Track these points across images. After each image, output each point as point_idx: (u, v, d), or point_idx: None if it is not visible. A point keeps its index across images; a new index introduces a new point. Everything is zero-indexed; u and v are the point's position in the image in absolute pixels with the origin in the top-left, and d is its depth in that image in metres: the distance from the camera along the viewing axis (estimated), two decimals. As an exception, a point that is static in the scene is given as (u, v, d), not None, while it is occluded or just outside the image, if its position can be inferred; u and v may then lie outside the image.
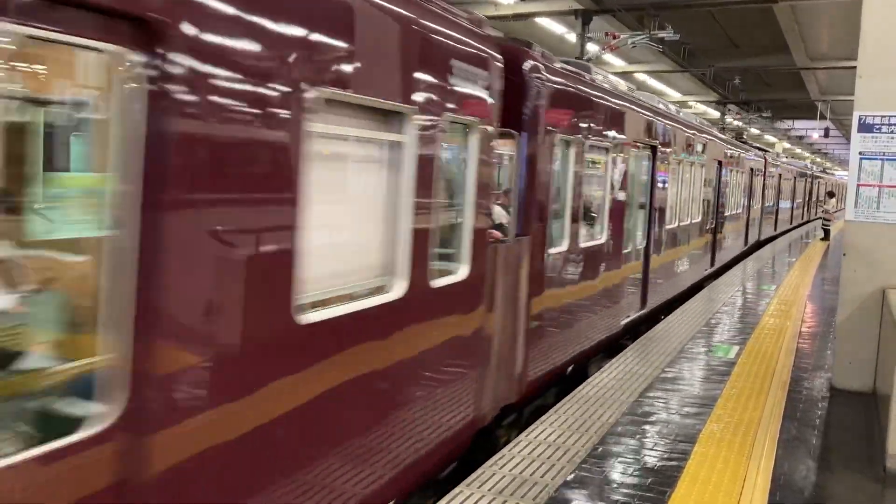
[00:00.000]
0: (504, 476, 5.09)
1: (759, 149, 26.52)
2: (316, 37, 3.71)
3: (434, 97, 4.83)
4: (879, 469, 5.59)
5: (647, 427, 6.18)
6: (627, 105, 9.70)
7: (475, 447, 6.07)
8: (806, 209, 41.24)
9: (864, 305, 7.43)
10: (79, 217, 3.35)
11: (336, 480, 4.16)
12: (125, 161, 2.85)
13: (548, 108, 6.99)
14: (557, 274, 7.70)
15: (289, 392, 3.75)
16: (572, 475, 5.15)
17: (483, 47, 5.58)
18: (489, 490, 4.87)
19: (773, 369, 8.16)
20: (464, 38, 5.29)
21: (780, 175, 28.55)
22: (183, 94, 2.97)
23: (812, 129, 42.58)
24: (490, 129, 5.73)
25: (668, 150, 11.93)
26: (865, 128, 7.43)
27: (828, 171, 67.83)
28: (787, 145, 60.89)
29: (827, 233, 26.42)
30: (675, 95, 35.06)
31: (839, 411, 6.92)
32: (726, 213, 18.14)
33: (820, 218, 29.05)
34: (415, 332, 4.89)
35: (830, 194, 29.59)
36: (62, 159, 3.60)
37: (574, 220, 7.99)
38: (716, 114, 37.28)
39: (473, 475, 5.10)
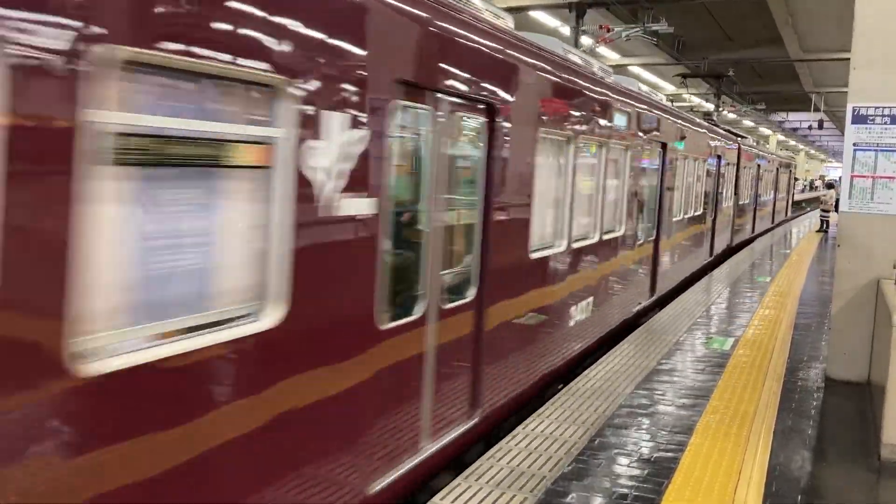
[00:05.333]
0: (502, 468, 5.11)
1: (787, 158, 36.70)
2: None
3: (729, 156, 18.53)
4: (874, 459, 5.63)
5: (643, 419, 6.21)
6: (757, 150, 24.19)
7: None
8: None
9: (858, 296, 7.46)
10: None
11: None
12: None
13: (743, 154, 20.17)
14: (737, 217, 20.34)
15: None
16: (570, 467, 5.18)
17: (735, 139, 19.56)
18: (487, 483, 4.89)
19: (769, 360, 8.20)
20: (731, 137, 18.97)
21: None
22: None
23: (806, 121, 42.67)
24: (733, 165, 19.27)
25: (750, 163, 23.57)
26: (859, 119, 7.45)
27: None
28: (781, 137, 60.94)
29: (824, 223, 26.42)
30: (670, 88, 35.05)
31: (834, 402, 6.96)
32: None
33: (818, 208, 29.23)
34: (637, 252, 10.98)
35: (829, 185, 29.55)
36: None
37: (737, 195, 20.42)
38: (710, 106, 37.30)
39: (471, 468, 5.12)
